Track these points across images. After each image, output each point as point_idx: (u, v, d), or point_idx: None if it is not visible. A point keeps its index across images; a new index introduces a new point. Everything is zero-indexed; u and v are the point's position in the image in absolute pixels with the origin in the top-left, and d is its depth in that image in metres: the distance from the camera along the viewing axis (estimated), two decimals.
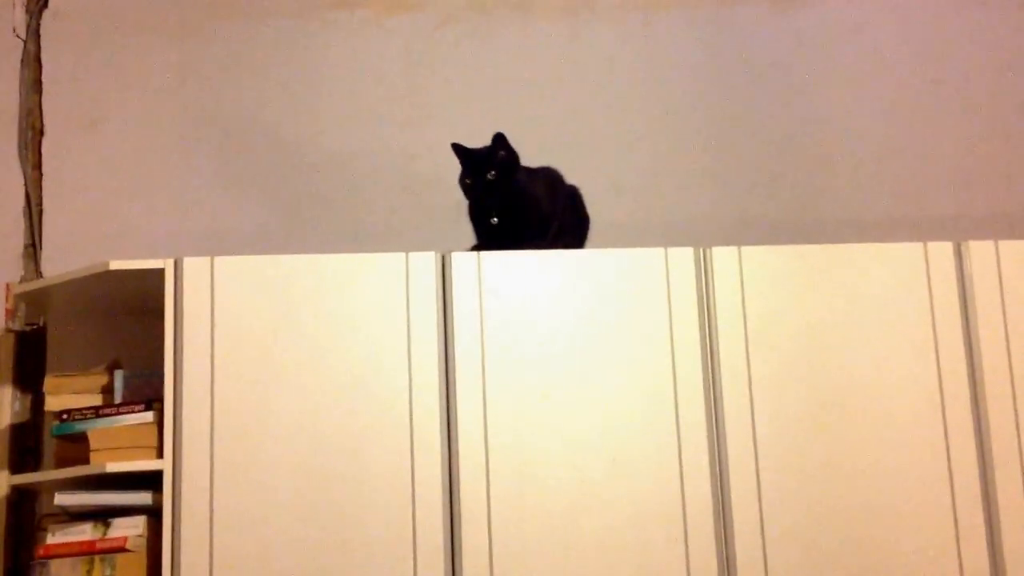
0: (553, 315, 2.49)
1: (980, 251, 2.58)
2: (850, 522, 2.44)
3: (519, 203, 2.59)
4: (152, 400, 2.47)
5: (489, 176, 2.55)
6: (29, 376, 2.86)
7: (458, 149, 2.58)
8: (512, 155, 2.59)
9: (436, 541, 2.36)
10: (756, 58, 3.19)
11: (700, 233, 2.99)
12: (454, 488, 2.39)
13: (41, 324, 2.90)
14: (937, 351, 2.52)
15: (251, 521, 2.36)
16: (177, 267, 2.46)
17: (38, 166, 3.01)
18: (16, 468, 2.79)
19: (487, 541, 2.37)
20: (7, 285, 2.91)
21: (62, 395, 2.59)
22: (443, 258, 2.50)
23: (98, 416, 2.50)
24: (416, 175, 3.05)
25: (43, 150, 3.02)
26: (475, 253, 2.53)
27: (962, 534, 2.44)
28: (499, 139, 2.57)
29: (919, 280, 2.55)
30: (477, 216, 2.62)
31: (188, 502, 2.35)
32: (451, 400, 2.43)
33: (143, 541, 2.42)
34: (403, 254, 2.50)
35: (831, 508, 2.44)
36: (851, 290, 2.55)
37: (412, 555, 2.36)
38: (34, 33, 3.07)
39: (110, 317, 2.78)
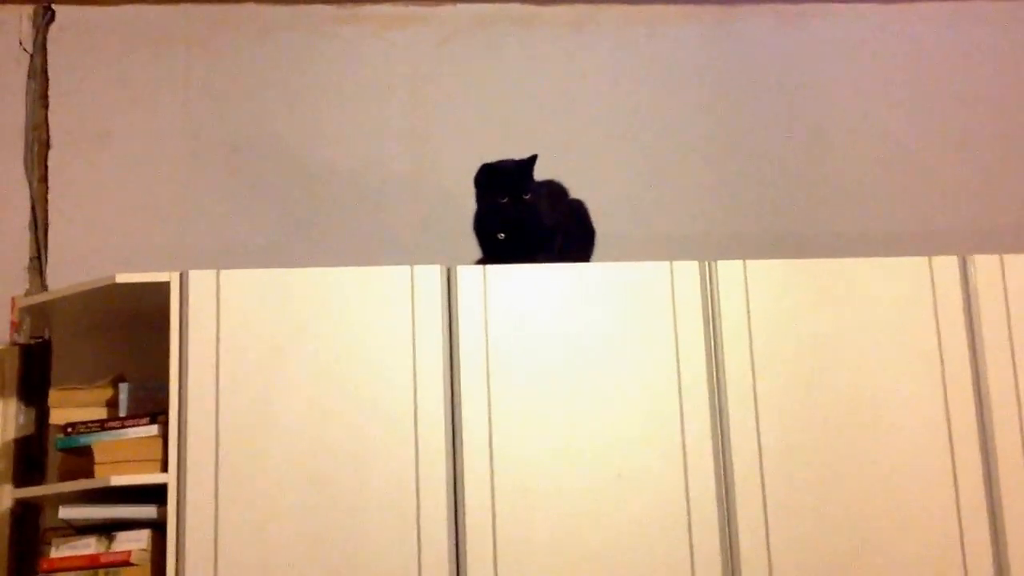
0: (558, 329, 2.49)
1: (985, 265, 2.58)
2: (856, 535, 2.43)
3: (526, 219, 2.59)
4: (157, 413, 2.47)
5: (526, 197, 2.55)
6: (34, 389, 2.86)
7: (490, 169, 2.58)
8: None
9: (441, 554, 2.36)
10: (761, 72, 3.19)
11: (705, 247, 3.00)
12: (459, 501, 2.39)
13: (46, 337, 2.90)
14: (942, 364, 2.52)
15: (255, 535, 2.35)
16: (183, 280, 2.46)
17: (44, 179, 3.02)
18: (20, 481, 2.78)
19: (492, 554, 2.37)
20: (12, 298, 2.91)
21: (67, 408, 2.59)
22: (448, 271, 2.50)
23: (103, 429, 2.50)
24: (421, 188, 3.05)
25: (49, 163, 3.02)
26: (480, 266, 2.53)
27: (967, 547, 2.43)
28: (533, 161, 2.57)
29: (924, 294, 2.55)
30: (485, 231, 2.62)
31: (192, 516, 2.35)
32: (456, 413, 2.43)
33: (147, 555, 2.41)
34: (408, 267, 2.50)
35: (836, 521, 2.44)
36: (856, 304, 2.54)
37: (417, 569, 2.35)
38: (41, 46, 3.08)
39: (115, 330, 2.78)
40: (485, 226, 2.61)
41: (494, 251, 2.60)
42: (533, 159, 2.57)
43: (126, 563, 2.40)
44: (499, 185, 2.57)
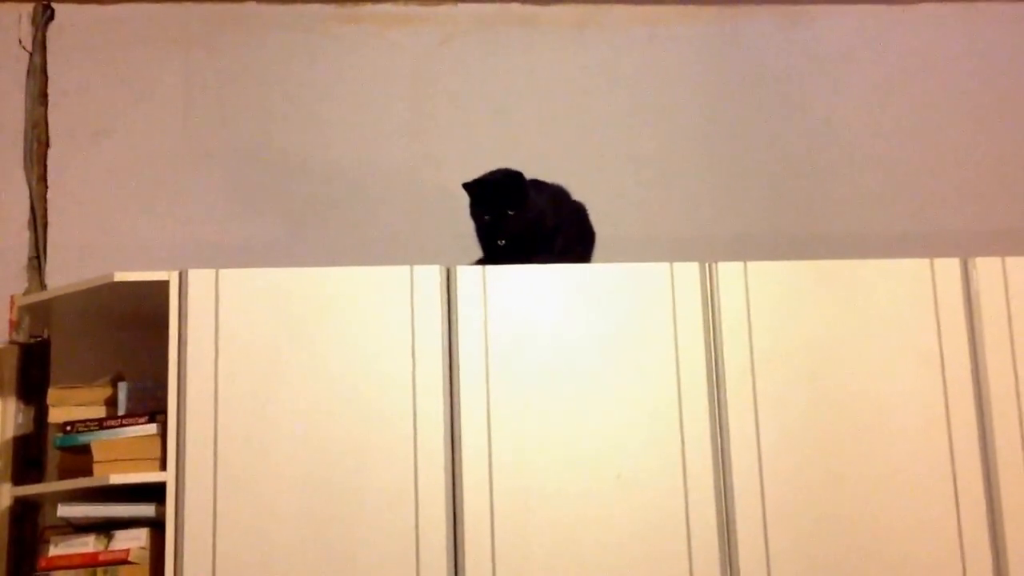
0: (558, 330, 2.49)
1: (987, 267, 2.57)
2: (855, 537, 2.43)
3: (527, 225, 2.58)
4: (156, 412, 2.47)
5: (510, 213, 2.54)
6: (33, 388, 2.86)
7: (468, 187, 2.57)
8: (525, 187, 2.58)
9: (439, 555, 2.35)
10: (762, 73, 3.19)
11: (705, 248, 2.99)
12: (458, 502, 2.39)
13: (45, 336, 2.90)
14: (943, 367, 2.51)
15: (254, 534, 2.35)
16: (182, 279, 2.45)
17: (43, 178, 3.01)
18: (19, 480, 2.78)
19: (490, 556, 2.36)
20: (12, 297, 2.91)
21: (66, 407, 2.59)
22: (448, 272, 2.50)
23: (101, 428, 2.50)
24: (421, 188, 3.05)
25: (48, 162, 3.02)
26: (480, 267, 2.52)
27: (967, 549, 2.43)
28: (518, 178, 2.56)
29: (926, 296, 2.54)
30: (483, 239, 2.61)
31: (191, 514, 2.34)
32: (455, 414, 2.43)
33: (146, 553, 2.41)
34: (408, 267, 2.50)
35: (836, 523, 2.43)
36: (857, 306, 2.54)
37: (415, 570, 2.34)
38: (40, 45, 3.07)
39: (114, 329, 2.77)
40: (481, 236, 2.61)
41: (495, 256, 2.59)
42: (518, 176, 2.56)
43: (124, 561, 2.40)
44: (479, 203, 2.57)
